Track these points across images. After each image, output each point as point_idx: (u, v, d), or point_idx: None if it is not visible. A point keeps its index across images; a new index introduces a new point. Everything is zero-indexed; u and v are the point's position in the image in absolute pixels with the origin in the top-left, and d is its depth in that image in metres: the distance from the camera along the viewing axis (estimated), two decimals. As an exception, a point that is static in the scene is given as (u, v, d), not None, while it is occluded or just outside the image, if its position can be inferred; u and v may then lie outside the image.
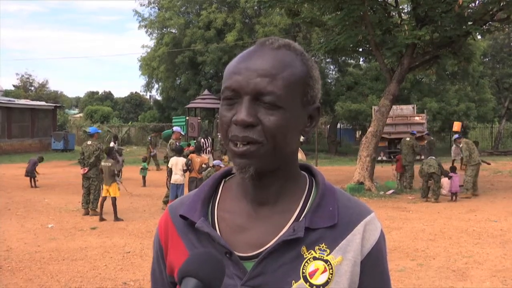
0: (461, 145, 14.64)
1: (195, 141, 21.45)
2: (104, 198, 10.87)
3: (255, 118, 1.09)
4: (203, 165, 11.99)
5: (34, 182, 15.92)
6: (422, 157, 16.77)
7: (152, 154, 21.44)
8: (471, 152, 14.31)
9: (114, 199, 10.70)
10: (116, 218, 10.57)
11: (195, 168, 11.76)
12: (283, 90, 1.10)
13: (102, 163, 11.13)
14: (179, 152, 11.87)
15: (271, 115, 1.09)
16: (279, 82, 1.09)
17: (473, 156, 14.31)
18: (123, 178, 18.08)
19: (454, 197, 13.56)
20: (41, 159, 16.78)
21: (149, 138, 23.15)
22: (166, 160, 13.56)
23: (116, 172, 11.09)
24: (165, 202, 12.19)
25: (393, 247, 8.04)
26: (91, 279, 6.59)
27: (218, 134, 23.05)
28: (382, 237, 1.20)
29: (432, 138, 18.73)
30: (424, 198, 13.55)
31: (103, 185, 11.08)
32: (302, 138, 1.22)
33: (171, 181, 11.45)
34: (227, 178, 1.28)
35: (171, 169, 11.53)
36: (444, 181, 13.90)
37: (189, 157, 11.86)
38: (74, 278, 6.61)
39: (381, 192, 14.65)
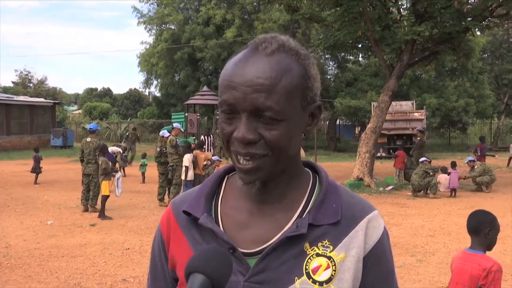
0: (476, 167, 14.62)
1: (194, 137, 21.43)
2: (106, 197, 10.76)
3: (256, 134, 1.08)
4: (207, 162, 12.00)
5: (36, 178, 15.91)
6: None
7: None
8: (484, 174, 14.37)
9: (103, 197, 10.60)
10: (103, 216, 10.40)
11: (199, 165, 11.76)
12: (282, 102, 1.07)
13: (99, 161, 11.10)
14: (188, 148, 11.80)
15: (272, 130, 1.08)
16: (277, 95, 1.06)
17: (486, 176, 14.38)
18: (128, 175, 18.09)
19: (453, 193, 13.56)
20: (37, 150, 16.72)
21: (127, 134, 22.30)
22: (158, 160, 13.40)
23: (109, 169, 10.97)
24: (161, 200, 12.21)
25: (393, 243, 8.00)
26: (91, 276, 6.59)
27: (217, 130, 23.05)
28: (385, 234, 1.19)
29: (423, 136, 18.73)
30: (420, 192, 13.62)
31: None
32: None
33: (188, 178, 11.29)
34: (230, 174, 1.28)
35: (186, 166, 11.38)
36: (443, 177, 13.91)
37: (194, 153, 11.84)
38: (73, 275, 6.61)
39: (381, 188, 14.65)
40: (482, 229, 3.41)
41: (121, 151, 18.74)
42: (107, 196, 10.62)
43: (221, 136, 1.14)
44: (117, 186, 11.13)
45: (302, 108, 1.12)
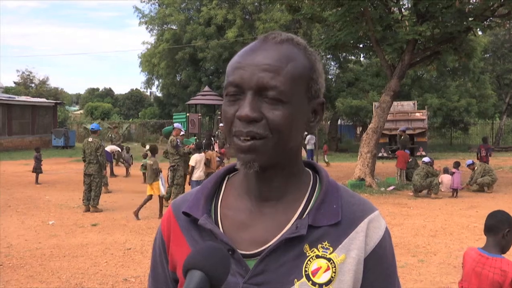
0: (476, 168, 14.63)
1: (195, 137, 21.43)
2: (150, 197, 10.79)
3: (259, 113, 1.08)
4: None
5: (37, 178, 15.93)
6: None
7: None
8: (484, 174, 14.38)
9: (160, 198, 10.71)
10: (161, 215, 10.41)
11: (212, 164, 11.76)
12: (287, 84, 1.08)
13: (147, 161, 11.15)
14: (199, 148, 11.76)
15: (275, 110, 1.08)
16: (282, 77, 1.08)
17: (487, 177, 14.38)
18: (131, 175, 18.11)
19: (455, 193, 13.54)
20: (37, 150, 16.71)
21: (109, 135, 21.89)
22: (166, 156, 13.46)
23: (159, 169, 11.02)
24: (167, 199, 12.19)
25: (394, 243, 7.96)
26: (92, 276, 6.59)
27: (218, 130, 23.04)
28: (386, 235, 1.18)
29: (406, 135, 18.90)
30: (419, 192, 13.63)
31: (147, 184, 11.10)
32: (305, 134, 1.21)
33: (194, 178, 11.17)
34: (231, 174, 1.28)
35: (192, 166, 11.33)
36: (445, 177, 13.89)
37: (207, 155, 11.85)
38: (75, 275, 6.62)
39: (382, 188, 14.64)
40: (501, 228, 3.29)
41: (119, 150, 18.77)
42: (161, 197, 10.80)
43: (224, 122, 1.14)
44: (162, 185, 11.14)
45: (306, 98, 1.14)
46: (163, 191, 10.92)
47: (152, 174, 10.80)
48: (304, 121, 1.15)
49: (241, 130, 1.09)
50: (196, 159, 11.24)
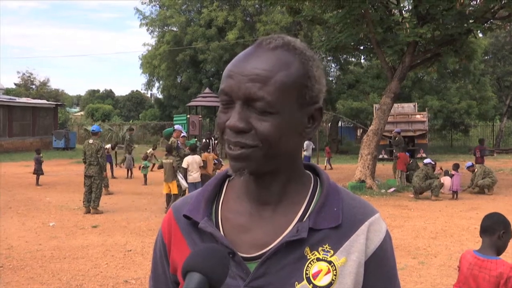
0: (476, 170, 14.63)
1: (196, 138, 21.43)
2: (169, 196, 10.82)
3: (247, 123, 1.08)
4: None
5: (37, 179, 15.94)
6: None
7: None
8: (485, 176, 14.38)
9: (175, 196, 10.73)
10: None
11: (208, 166, 11.82)
12: (275, 95, 1.07)
13: (163, 160, 11.17)
14: (194, 150, 11.76)
15: (264, 121, 1.07)
16: (270, 87, 1.07)
17: (487, 179, 14.38)
18: (135, 176, 18.12)
19: (455, 195, 13.54)
20: (38, 152, 16.72)
21: (127, 137, 22.03)
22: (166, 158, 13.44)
23: (176, 167, 11.07)
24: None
25: (395, 245, 7.92)
26: (93, 278, 6.59)
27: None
28: (387, 238, 1.18)
29: (400, 137, 18.95)
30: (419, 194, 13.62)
31: (164, 182, 11.18)
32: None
33: (190, 180, 11.16)
34: (231, 177, 1.27)
35: (185, 168, 11.32)
36: (445, 179, 13.88)
37: (203, 156, 11.88)
38: (75, 277, 6.62)
39: (383, 190, 14.64)
40: (497, 229, 3.29)
41: (106, 148, 18.71)
42: (177, 195, 10.89)
43: (218, 129, 1.15)
44: (182, 178, 11.16)
45: (298, 106, 1.12)
46: (185, 184, 10.97)
47: (171, 173, 10.84)
48: (298, 129, 1.13)
49: (230, 139, 1.10)
50: (188, 161, 11.23)
